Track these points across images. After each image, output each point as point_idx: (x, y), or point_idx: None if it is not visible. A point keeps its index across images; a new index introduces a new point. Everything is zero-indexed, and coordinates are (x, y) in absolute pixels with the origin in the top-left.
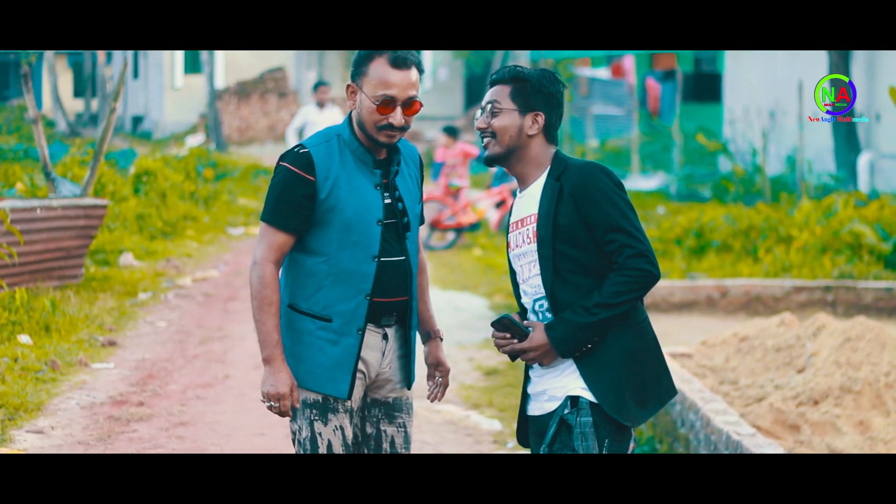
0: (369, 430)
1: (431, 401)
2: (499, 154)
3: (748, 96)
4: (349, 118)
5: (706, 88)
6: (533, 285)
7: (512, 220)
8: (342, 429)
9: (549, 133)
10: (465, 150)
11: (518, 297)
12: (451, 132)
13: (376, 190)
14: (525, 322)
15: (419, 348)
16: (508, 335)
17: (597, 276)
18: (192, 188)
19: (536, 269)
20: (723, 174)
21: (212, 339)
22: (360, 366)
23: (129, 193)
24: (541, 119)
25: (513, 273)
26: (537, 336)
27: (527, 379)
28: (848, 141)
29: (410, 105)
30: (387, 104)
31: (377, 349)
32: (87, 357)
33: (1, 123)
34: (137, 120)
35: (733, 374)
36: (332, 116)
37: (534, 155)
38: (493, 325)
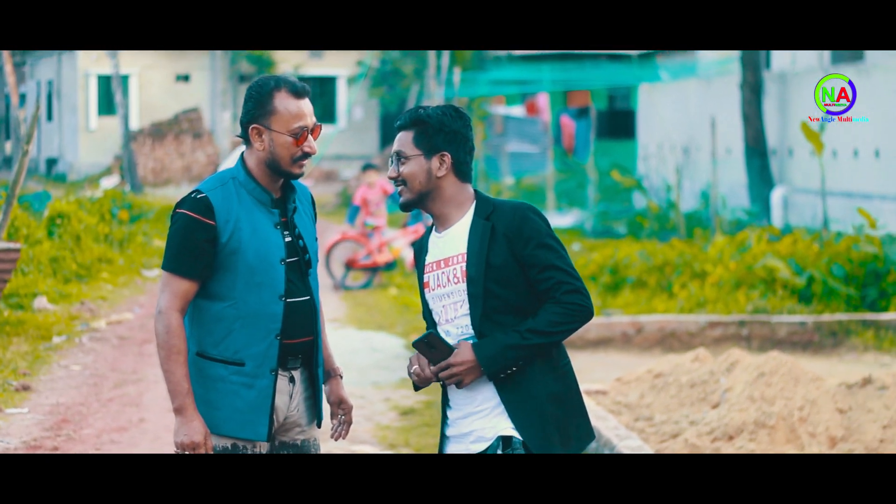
0: None
1: (336, 440)
2: (412, 200)
3: (662, 133)
4: (241, 159)
5: (620, 125)
6: (459, 325)
7: (429, 259)
8: None
9: (460, 171)
10: (384, 187)
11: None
12: (375, 169)
13: (276, 229)
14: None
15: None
16: (425, 360)
17: (524, 316)
18: (106, 230)
19: (464, 309)
20: (637, 210)
21: (126, 382)
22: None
23: (42, 236)
24: (447, 159)
25: (428, 312)
26: (464, 352)
27: (445, 421)
28: (761, 176)
29: (316, 129)
30: (304, 135)
31: (285, 393)
32: (0, 402)
33: None
34: (52, 162)
35: (648, 411)
36: None
37: (449, 195)
38: (414, 344)
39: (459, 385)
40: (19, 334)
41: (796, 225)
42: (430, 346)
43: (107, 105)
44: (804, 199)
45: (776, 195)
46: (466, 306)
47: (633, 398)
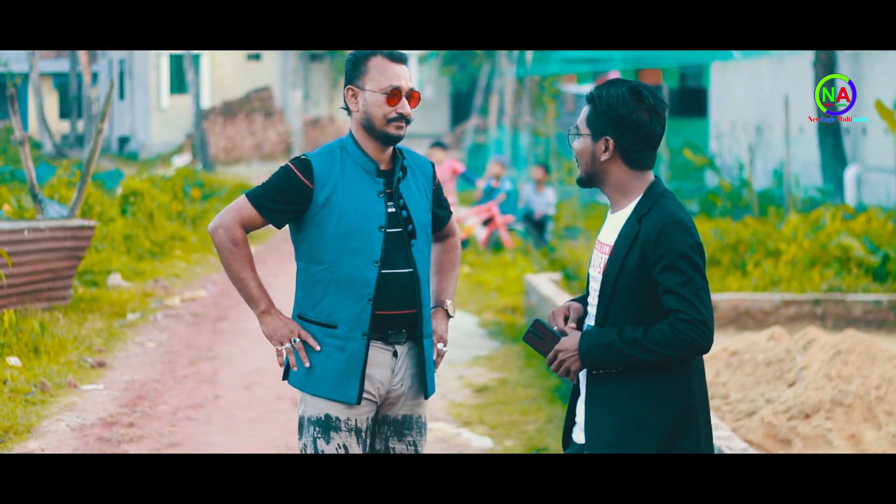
0: (378, 446)
1: None
2: (581, 177)
3: (734, 111)
4: (350, 131)
5: (692, 103)
6: (591, 314)
7: (599, 236)
8: (346, 447)
9: (630, 158)
10: (453, 166)
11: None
12: (441, 146)
13: (379, 198)
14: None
15: None
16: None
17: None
18: (179, 208)
19: (596, 301)
20: (710, 189)
21: (201, 359)
22: (368, 385)
23: (116, 214)
24: (611, 144)
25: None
26: (569, 340)
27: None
28: (835, 154)
29: (413, 96)
30: (395, 94)
31: (386, 367)
32: (76, 378)
33: None
34: (124, 140)
35: (724, 389)
36: None
37: (615, 181)
38: (525, 338)
39: (569, 375)
40: (94, 311)
41: (870, 203)
42: (539, 336)
43: (178, 84)
44: (878, 177)
45: (849, 173)
46: (597, 299)
47: (709, 376)
